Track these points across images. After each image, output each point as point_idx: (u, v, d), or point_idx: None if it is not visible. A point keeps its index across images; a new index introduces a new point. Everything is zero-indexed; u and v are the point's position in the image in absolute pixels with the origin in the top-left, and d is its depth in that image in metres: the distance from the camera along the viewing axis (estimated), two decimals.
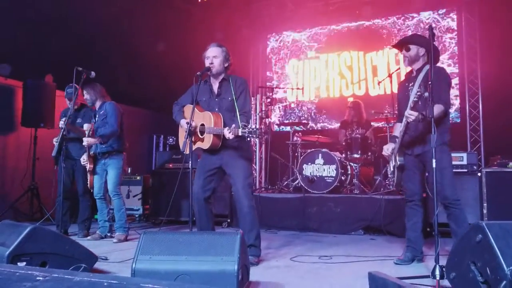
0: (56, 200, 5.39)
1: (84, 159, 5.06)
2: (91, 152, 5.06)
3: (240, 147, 3.82)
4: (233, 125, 3.47)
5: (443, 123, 3.56)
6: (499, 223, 2.28)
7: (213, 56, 3.81)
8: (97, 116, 5.22)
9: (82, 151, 5.25)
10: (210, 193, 3.89)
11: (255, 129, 3.35)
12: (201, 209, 3.86)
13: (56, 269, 2.09)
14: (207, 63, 3.81)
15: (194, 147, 3.80)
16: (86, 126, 5.17)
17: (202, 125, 3.76)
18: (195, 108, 3.79)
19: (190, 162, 3.67)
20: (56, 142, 5.19)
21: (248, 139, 3.40)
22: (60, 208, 5.20)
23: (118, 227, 5.07)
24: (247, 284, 2.81)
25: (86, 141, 4.88)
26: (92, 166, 5.06)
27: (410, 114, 3.37)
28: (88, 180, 5.10)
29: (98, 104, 5.24)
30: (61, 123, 5.03)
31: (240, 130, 3.39)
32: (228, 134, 3.46)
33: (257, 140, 3.35)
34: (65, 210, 5.39)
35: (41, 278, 1.83)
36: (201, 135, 3.77)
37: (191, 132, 3.63)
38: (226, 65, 3.87)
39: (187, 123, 3.63)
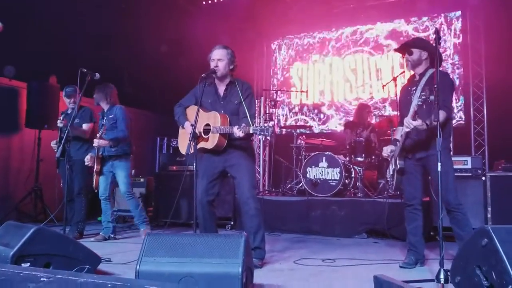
0: (64, 202, 5.38)
1: (87, 159, 5.10)
2: (100, 154, 5.10)
3: (244, 148, 3.83)
4: (243, 124, 3.47)
5: (446, 128, 3.54)
6: (505, 227, 2.27)
7: (218, 59, 3.79)
8: (105, 118, 5.22)
9: (80, 151, 5.33)
10: (213, 196, 3.88)
11: (267, 127, 3.33)
12: (205, 213, 3.85)
13: (60, 270, 2.10)
14: (212, 66, 3.80)
15: (197, 147, 3.79)
16: (85, 126, 5.32)
17: (207, 125, 3.75)
18: (200, 109, 3.79)
19: (194, 164, 3.66)
20: (55, 145, 5.23)
21: (261, 136, 3.39)
22: (69, 210, 5.27)
23: (141, 222, 5.22)
24: (251, 286, 2.80)
25: (97, 142, 4.93)
26: (99, 167, 5.10)
27: (409, 123, 3.35)
28: (94, 181, 5.13)
29: (104, 105, 5.27)
30: (59, 122, 5.11)
31: (251, 128, 3.39)
32: (238, 132, 3.45)
33: (269, 138, 3.31)
34: (74, 211, 5.43)
35: (45, 279, 1.83)
36: (205, 135, 3.76)
37: (196, 135, 3.62)
38: (231, 67, 3.86)
39: (192, 125, 3.62)
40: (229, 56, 3.84)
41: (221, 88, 3.90)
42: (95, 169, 5.08)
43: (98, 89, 5.25)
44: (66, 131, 4.66)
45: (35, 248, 2.84)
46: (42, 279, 1.86)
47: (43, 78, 6.88)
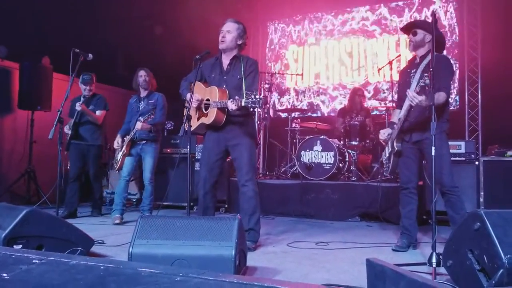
0: (68, 183, 5.70)
1: (118, 142, 5.26)
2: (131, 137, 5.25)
3: (245, 125, 3.80)
4: (236, 97, 3.46)
5: (444, 111, 3.56)
6: (497, 211, 2.28)
7: (227, 30, 3.76)
8: (142, 101, 5.38)
9: (94, 136, 5.59)
10: (217, 178, 3.89)
11: (258, 99, 3.31)
12: (207, 194, 3.85)
13: (52, 252, 2.09)
14: (220, 37, 3.77)
15: (198, 123, 3.79)
16: (99, 113, 5.60)
17: (208, 100, 3.73)
18: (201, 84, 3.79)
19: (188, 147, 3.64)
20: (68, 130, 5.53)
21: (252, 109, 3.37)
22: (69, 190, 5.63)
23: (147, 209, 5.34)
24: (244, 269, 2.82)
25: (140, 125, 5.07)
26: (128, 148, 5.24)
27: (414, 97, 3.33)
28: (119, 162, 5.29)
29: (144, 90, 5.41)
30: (77, 106, 5.39)
31: (243, 100, 3.37)
32: (231, 105, 3.44)
33: (260, 110, 3.28)
34: (74, 192, 5.64)
35: (37, 261, 1.82)
36: (206, 110, 3.74)
37: (189, 117, 3.60)
38: (239, 42, 3.82)
39: (185, 107, 3.60)
40: (239, 31, 3.81)
41: (226, 63, 3.86)
42: (124, 151, 5.22)
43: (148, 72, 5.42)
44: (59, 113, 4.60)
45: (27, 230, 2.82)
46: (34, 261, 1.84)
47: (36, 59, 6.79)
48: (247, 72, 3.75)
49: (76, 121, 5.50)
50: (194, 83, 3.70)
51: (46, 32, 6.55)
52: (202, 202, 3.88)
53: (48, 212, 3.13)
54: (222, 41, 3.75)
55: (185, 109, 3.71)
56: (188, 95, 3.80)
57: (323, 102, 8.34)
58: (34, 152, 6.72)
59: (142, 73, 5.39)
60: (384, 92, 7.69)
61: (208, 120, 3.71)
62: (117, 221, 5.08)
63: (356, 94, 6.80)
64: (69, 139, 5.54)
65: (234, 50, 3.83)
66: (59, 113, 4.62)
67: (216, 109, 3.64)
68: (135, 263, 2.22)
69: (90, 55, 4.58)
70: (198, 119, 3.79)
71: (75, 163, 5.63)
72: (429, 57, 3.58)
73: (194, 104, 3.70)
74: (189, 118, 3.57)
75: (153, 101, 5.35)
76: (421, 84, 3.21)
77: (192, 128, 3.55)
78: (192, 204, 5.67)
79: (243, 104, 3.39)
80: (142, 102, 5.38)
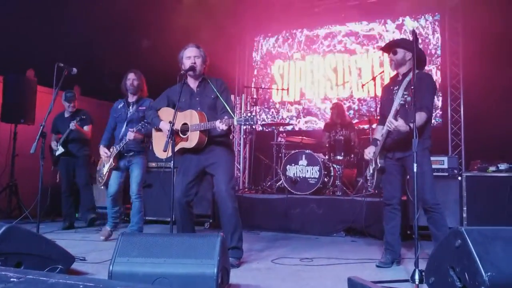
0: (62, 196, 6.02)
1: (106, 153, 4.91)
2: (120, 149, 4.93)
3: (224, 145, 3.83)
4: (225, 117, 3.46)
5: (426, 129, 3.59)
6: (478, 228, 2.30)
7: (194, 55, 3.80)
8: (130, 107, 5.00)
9: (82, 149, 5.70)
10: (192, 197, 3.86)
11: (252, 116, 3.32)
12: (183, 213, 3.82)
13: (31, 271, 2.05)
14: (188, 63, 3.78)
15: (176, 148, 3.75)
16: (86, 128, 5.73)
17: (185, 124, 3.72)
18: (171, 110, 3.79)
19: (172, 162, 3.61)
20: (56, 147, 5.78)
21: (245, 127, 3.38)
22: (66, 203, 5.95)
23: (136, 229, 4.92)
24: (226, 287, 2.79)
25: (132, 135, 4.72)
26: (115, 164, 4.91)
27: (391, 123, 3.38)
28: (106, 177, 4.96)
29: (132, 95, 5.03)
30: (72, 125, 5.48)
31: (235, 119, 3.37)
32: (221, 125, 3.43)
33: (254, 127, 3.29)
34: (70, 205, 5.93)
35: (15, 280, 1.78)
36: (183, 134, 3.73)
37: (173, 131, 3.57)
38: (204, 66, 3.87)
39: (170, 122, 3.57)
40: (203, 54, 3.86)
41: (194, 86, 3.90)
42: (111, 164, 4.89)
43: (139, 75, 5.09)
44: (42, 127, 4.52)
45: (6, 246, 2.76)
46: (12, 279, 1.81)
47: (20, 71, 6.73)
48: (220, 90, 3.80)
49: (66, 139, 5.72)
50: (180, 96, 3.66)
51: (30, 44, 6.50)
52: (180, 223, 3.84)
53: (28, 228, 3.07)
54: (194, 67, 3.76)
55: (167, 125, 3.68)
56: (162, 122, 3.82)
57: (315, 116, 8.39)
58: (16, 165, 6.62)
59: (131, 75, 5.01)
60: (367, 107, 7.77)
61: (190, 144, 3.69)
62: (102, 237, 4.97)
63: (336, 108, 6.91)
64: (58, 155, 5.77)
65: (201, 73, 3.88)
66: (41, 127, 4.55)
67: (198, 132, 3.63)
68: (115, 282, 2.18)
69: (75, 70, 4.49)
70: (176, 144, 3.76)
71: (66, 178, 5.89)
72: (411, 75, 3.64)
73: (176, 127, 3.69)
74: (173, 133, 3.55)
75: (144, 108, 4.86)
76: (401, 102, 3.24)
77: (168, 155, 3.50)
78: (175, 220, 5.61)
79: (235, 123, 3.40)
80: (130, 108, 4.98)
